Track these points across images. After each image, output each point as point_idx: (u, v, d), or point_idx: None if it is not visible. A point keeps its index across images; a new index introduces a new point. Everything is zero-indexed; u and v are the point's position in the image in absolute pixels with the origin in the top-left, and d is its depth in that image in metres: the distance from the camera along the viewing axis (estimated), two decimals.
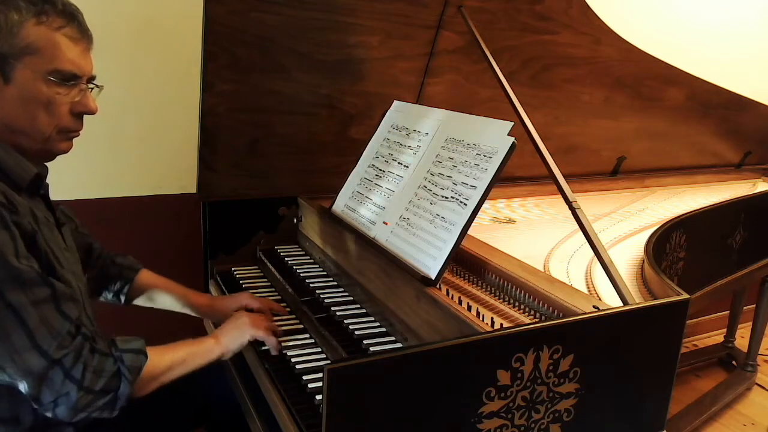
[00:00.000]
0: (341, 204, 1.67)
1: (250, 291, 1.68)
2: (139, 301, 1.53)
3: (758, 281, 2.75)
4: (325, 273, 1.67)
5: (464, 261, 1.43)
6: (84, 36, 1.12)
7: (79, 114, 1.14)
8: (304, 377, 1.22)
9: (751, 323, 2.91)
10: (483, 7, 1.76)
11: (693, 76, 2.32)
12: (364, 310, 1.44)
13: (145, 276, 1.52)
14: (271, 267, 1.74)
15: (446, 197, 1.32)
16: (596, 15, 1.94)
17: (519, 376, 0.99)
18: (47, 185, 1.19)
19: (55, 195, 1.23)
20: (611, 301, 1.24)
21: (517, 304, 1.26)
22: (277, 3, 1.54)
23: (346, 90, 1.78)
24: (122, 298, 1.50)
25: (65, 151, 1.16)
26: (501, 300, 1.29)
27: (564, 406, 1.05)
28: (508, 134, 1.27)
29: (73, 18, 1.10)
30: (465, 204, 1.26)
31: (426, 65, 1.84)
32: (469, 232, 1.26)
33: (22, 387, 1.02)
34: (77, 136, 1.17)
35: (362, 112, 1.84)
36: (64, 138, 1.14)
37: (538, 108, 2.10)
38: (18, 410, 1.09)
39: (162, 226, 2.07)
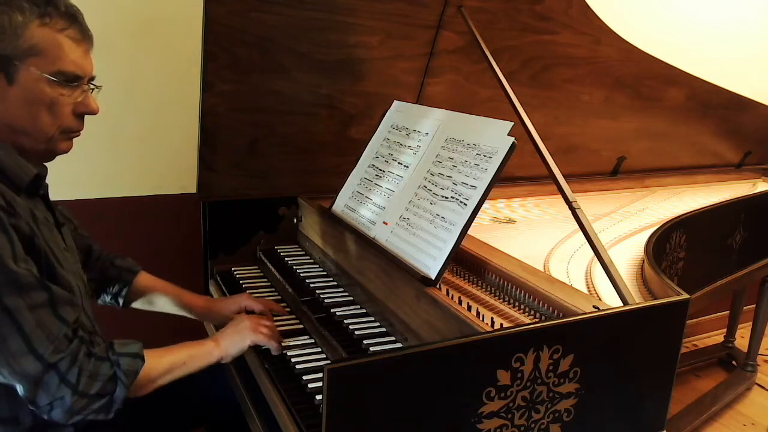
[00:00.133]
0: (341, 204, 1.67)
1: (250, 291, 1.68)
2: (138, 305, 1.53)
3: (758, 281, 2.75)
4: (325, 273, 1.67)
5: (464, 261, 1.43)
6: (85, 37, 1.12)
7: (81, 114, 1.15)
8: (304, 377, 1.22)
9: (751, 323, 2.91)
10: (483, 7, 1.76)
11: (693, 76, 2.32)
12: (364, 310, 1.44)
13: (144, 279, 1.52)
14: (271, 267, 1.74)
15: (446, 197, 1.32)
16: (596, 15, 1.94)
17: (519, 376, 0.99)
18: (47, 185, 1.19)
19: (55, 195, 1.23)
20: (611, 301, 1.24)
21: (517, 304, 1.26)
22: (277, 3, 1.54)
23: (346, 90, 1.78)
24: (120, 301, 1.50)
25: (66, 151, 1.16)
26: (501, 300, 1.29)
27: (564, 406, 1.05)
28: (508, 134, 1.27)
29: (75, 19, 1.10)
30: (465, 204, 1.26)
31: (426, 65, 1.84)
32: (469, 232, 1.26)
33: (19, 389, 1.02)
34: (78, 136, 1.17)
35: (362, 112, 1.84)
36: (66, 138, 1.15)
37: (538, 108, 2.10)
38: (18, 410, 1.09)
39: (162, 226, 2.07)
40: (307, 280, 1.61)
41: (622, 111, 2.33)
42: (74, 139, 1.17)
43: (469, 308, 1.21)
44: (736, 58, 2.97)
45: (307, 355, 1.32)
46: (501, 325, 1.17)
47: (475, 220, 1.25)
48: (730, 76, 2.61)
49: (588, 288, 1.41)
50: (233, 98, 1.65)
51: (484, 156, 1.29)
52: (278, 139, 1.79)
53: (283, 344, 1.35)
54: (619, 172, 2.52)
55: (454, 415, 0.95)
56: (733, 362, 3.07)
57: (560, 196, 1.35)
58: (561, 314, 1.15)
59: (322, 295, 1.51)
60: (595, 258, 1.28)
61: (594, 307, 1.13)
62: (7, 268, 0.98)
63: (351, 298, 1.51)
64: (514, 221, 1.92)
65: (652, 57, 2.16)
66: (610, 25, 1.99)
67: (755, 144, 2.89)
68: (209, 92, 1.61)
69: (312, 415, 1.12)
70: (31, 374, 1.00)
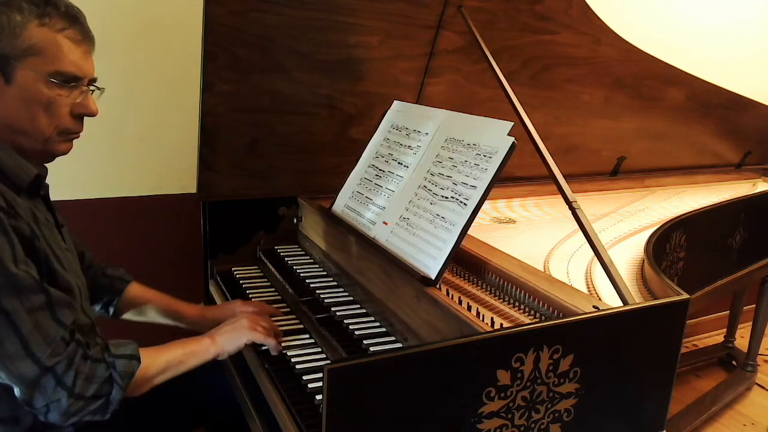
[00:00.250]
0: (341, 204, 1.67)
1: (250, 291, 1.68)
2: (129, 315, 1.51)
3: (758, 281, 2.75)
4: (325, 273, 1.67)
5: (464, 261, 1.43)
6: (86, 38, 1.12)
7: (79, 115, 1.14)
8: (304, 377, 1.22)
9: (751, 323, 2.91)
10: (483, 7, 1.76)
11: (693, 76, 2.32)
12: (364, 310, 1.44)
13: (135, 289, 1.50)
14: (271, 267, 1.74)
15: (446, 197, 1.32)
16: (596, 15, 1.94)
17: (519, 376, 0.99)
18: (47, 186, 1.19)
19: (55, 195, 1.23)
20: (611, 301, 1.24)
21: (517, 304, 1.26)
22: (277, 3, 1.54)
23: (346, 90, 1.78)
24: (111, 310, 1.48)
25: (65, 153, 1.16)
26: (501, 300, 1.29)
27: (564, 406, 1.05)
28: (508, 134, 1.27)
29: (76, 20, 1.10)
30: (465, 204, 1.26)
31: (426, 65, 1.84)
32: (469, 232, 1.26)
33: (16, 391, 1.02)
34: (77, 137, 1.17)
35: (362, 112, 1.84)
36: (64, 139, 1.14)
37: (538, 108, 2.10)
38: (18, 410, 1.09)
39: (162, 226, 2.07)
40: (307, 280, 1.61)
41: (622, 111, 2.33)
42: (74, 140, 1.17)
43: (469, 308, 1.21)
44: (736, 58, 2.97)
45: (307, 355, 1.32)
46: (501, 325, 1.17)
47: (475, 220, 1.25)
48: (730, 76, 2.61)
49: (588, 288, 1.41)
50: (233, 98, 1.65)
51: (484, 156, 1.29)
52: (278, 139, 1.79)
53: (283, 344, 1.34)
54: (619, 172, 2.52)
55: (454, 415, 0.95)
56: (733, 362, 3.07)
57: (560, 196, 1.35)
58: (561, 314, 1.15)
59: (322, 295, 1.51)
60: (595, 258, 1.28)
61: (594, 307, 1.13)
62: (6, 270, 0.98)
63: (351, 298, 1.51)
64: (514, 221, 1.92)
65: (652, 57, 2.16)
66: (610, 25, 1.99)
67: (755, 144, 2.89)
68: (209, 92, 1.61)
69: (312, 415, 1.12)
70: (27, 377, 1.00)
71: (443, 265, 1.24)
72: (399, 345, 1.29)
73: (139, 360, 1.11)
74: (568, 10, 1.89)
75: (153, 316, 1.52)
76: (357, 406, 0.89)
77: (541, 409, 1.03)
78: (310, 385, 1.19)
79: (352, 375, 0.87)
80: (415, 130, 1.56)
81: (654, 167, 2.62)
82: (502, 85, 1.57)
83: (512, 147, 1.25)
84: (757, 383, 2.97)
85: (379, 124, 1.71)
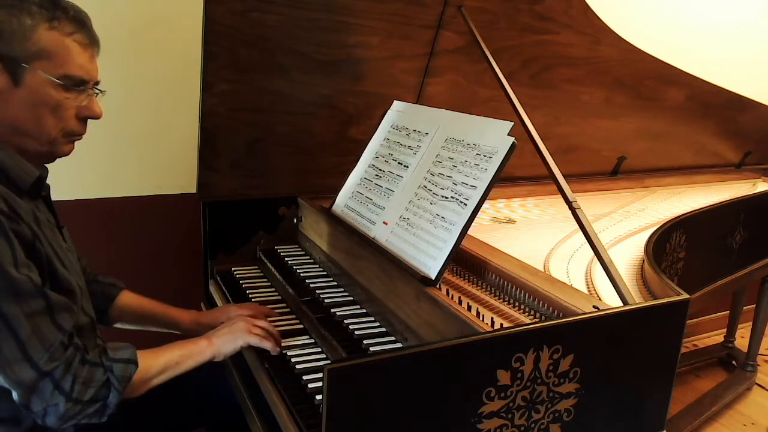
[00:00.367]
0: (341, 204, 1.67)
1: (250, 291, 1.68)
2: (123, 323, 1.50)
3: (758, 281, 2.75)
4: (325, 273, 1.67)
5: (464, 261, 1.43)
6: (92, 42, 1.13)
7: (84, 118, 1.15)
8: (304, 377, 1.22)
9: (751, 323, 2.91)
10: (483, 7, 1.76)
11: (693, 76, 2.32)
12: (364, 310, 1.44)
13: (128, 296, 1.50)
14: (271, 267, 1.74)
15: (446, 197, 1.32)
16: (596, 15, 1.94)
17: (519, 376, 0.99)
18: (48, 186, 1.20)
19: (55, 195, 1.23)
20: (611, 301, 1.24)
21: (517, 304, 1.26)
22: (277, 3, 1.54)
23: (346, 90, 1.78)
24: (103, 318, 1.47)
25: (67, 154, 1.17)
26: (501, 300, 1.29)
27: (564, 406, 1.05)
28: (508, 134, 1.27)
29: (83, 24, 1.11)
30: (465, 204, 1.26)
31: (426, 65, 1.84)
32: (469, 232, 1.26)
33: (14, 395, 1.03)
34: (80, 139, 1.18)
35: (362, 112, 1.84)
36: (68, 141, 1.15)
37: (538, 108, 2.10)
38: (18, 411, 1.09)
39: (162, 226, 2.07)
40: (307, 280, 1.61)
41: (622, 111, 2.33)
42: (75, 141, 1.18)
43: (469, 308, 1.21)
44: (736, 59, 2.97)
45: (307, 355, 1.32)
46: (501, 325, 1.17)
47: (475, 220, 1.25)
48: (730, 77, 2.62)
49: (588, 288, 1.41)
50: (233, 98, 1.65)
51: (484, 156, 1.29)
52: (278, 139, 1.79)
53: (283, 344, 1.34)
54: (619, 172, 2.52)
55: (454, 415, 0.95)
56: (733, 362, 3.07)
57: (560, 196, 1.35)
58: (561, 314, 1.15)
59: (322, 295, 1.51)
60: (595, 258, 1.28)
61: (594, 307, 1.13)
62: (7, 274, 0.98)
63: (351, 298, 1.51)
64: (514, 221, 1.93)
65: (652, 57, 2.16)
66: (610, 25, 1.99)
67: (755, 144, 2.89)
68: (209, 92, 1.61)
69: (312, 415, 1.12)
70: (25, 381, 1.00)
71: (443, 265, 1.24)
72: (399, 345, 1.29)
73: (136, 364, 1.12)
74: (568, 10, 1.89)
75: (147, 324, 1.52)
76: (357, 406, 0.89)
77: (541, 409, 1.03)
78: (310, 385, 1.19)
79: (352, 375, 0.87)
80: (415, 130, 1.56)
81: (654, 167, 2.62)
82: (502, 85, 1.57)
83: (512, 147, 1.25)
84: (757, 383, 2.97)
85: (379, 124, 1.71)
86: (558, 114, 2.19)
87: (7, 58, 1.04)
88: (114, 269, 1.54)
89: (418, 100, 1.89)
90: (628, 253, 1.72)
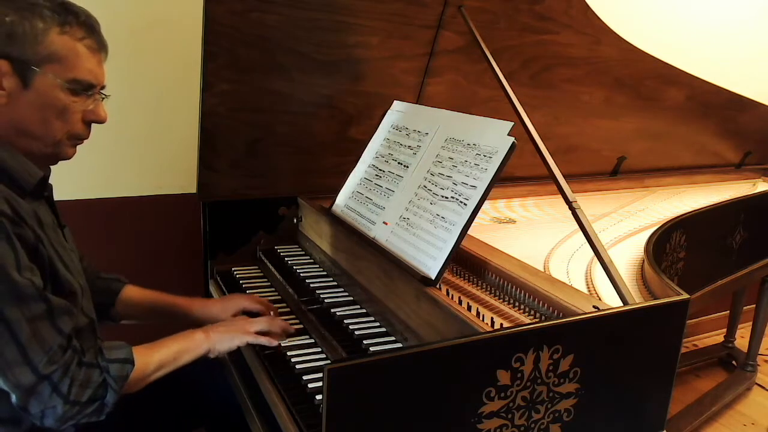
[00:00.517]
0: (341, 204, 1.67)
1: (250, 291, 1.68)
2: (129, 318, 1.50)
3: (758, 281, 2.75)
4: (325, 273, 1.67)
5: (464, 261, 1.43)
6: (101, 47, 1.14)
7: (89, 122, 1.16)
8: (304, 377, 1.22)
9: (751, 323, 2.91)
10: (483, 7, 1.76)
11: (693, 76, 2.32)
12: (364, 310, 1.44)
13: (131, 290, 1.50)
14: (271, 267, 1.74)
15: (446, 197, 1.32)
16: (596, 15, 1.94)
17: (519, 376, 0.99)
18: (51, 187, 1.20)
19: (55, 195, 1.23)
20: (611, 301, 1.24)
21: (517, 304, 1.26)
22: (277, 3, 1.54)
23: (346, 90, 1.78)
24: (110, 313, 1.47)
25: (70, 157, 1.18)
26: (501, 300, 1.29)
27: (564, 406, 1.05)
28: (508, 134, 1.27)
29: (93, 30, 1.12)
30: (465, 204, 1.26)
31: (426, 65, 1.84)
32: (469, 232, 1.26)
33: (12, 397, 1.03)
34: (82, 143, 1.18)
35: (362, 112, 1.84)
36: (72, 144, 1.16)
37: (538, 108, 2.10)
38: (18, 411, 1.09)
39: (162, 226, 2.07)
40: (307, 280, 1.61)
41: (622, 111, 2.33)
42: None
43: (469, 308, 1.21)
44: (736, 58, 2.97)
45: (307, 355, 1.32)
46: (501, 325, 1.17)
47: (475, 220, 1.25)
48: (730, 77, 2.62)
49: (588, 288, 1.41)
50: (233, 98, 1.65)
51: (484, 156, 1.29)
52: (278, 139, 1.79)
53: (283, 344, 1.34)
54: (619, 172, 2.52)
55: (454, 415, 0.95)
56: (733, 362, 3.07)
57: (560, 196, 1.35)
58: (561, 314, 1.15)
59: (322, 295, 1.51)
60: (595, 258, 1.28)
61: (594, 307, 1.13)
62: (9, 278, 0.98)
63: (351, 298, 1.51)
64: (514, 221, 1.93)
65: (652, 57, 2.16)
66: (610, 25, 1.99)
67: (755, 144, 2.89)
68: (209, 92, 1.61)
69: (312, 415, 1.12)
70: (23, 384, 1.00)
71: (443, 265, 1.24)
72: (399, 345, 1.29)
73: (132, 363, 1.12)
74: (568, 10, 1.89)
75: (153, 316, 1.51)
76: (357, 406, 0.89)
77: (541, 409, 1.03)
78: (310, 385, 1.19)
79: (352, 375, 0.87)
80: (415, 130, 1.56)
81: (654, 167, 2.62)
82: (502, 85, 1.57)
83: (512, 147, 1.25)
84: (757, 383, 2.96)
85: (379, 124, 1.71)
86: (558, 114, 2.19)
87: (17, 61, 1.05)
88: (114, 269, 1.53)
89: (418, 100, 1.89)
90: (628, 253, 1.72)
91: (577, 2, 1.89)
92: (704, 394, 2.72)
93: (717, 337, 3.39)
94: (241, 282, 1.75)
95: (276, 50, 1.62)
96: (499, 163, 1.25)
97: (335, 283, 1.60)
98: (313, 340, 1.39)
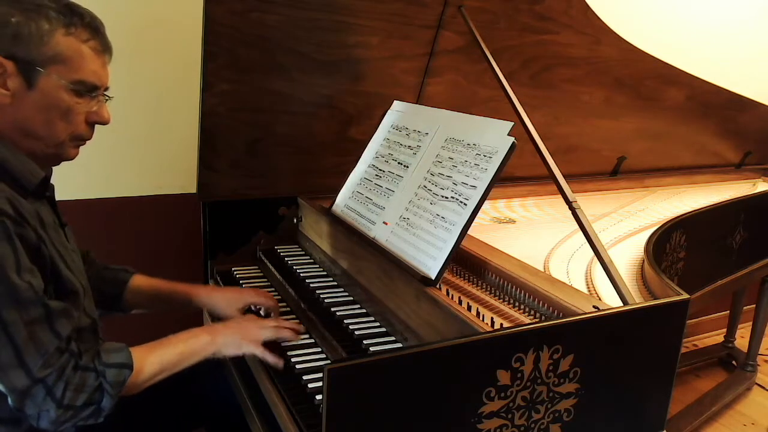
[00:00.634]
0: (341, 204, 1.67)
1: None
2: (138, 308, 1.49)
3: (758, 281, 2.75)
4: (325, 273, 1.67)
5: (464, 261, 1.43)
6: (105, 49, 1.14)
7: (92, 123, 1.16)
8: (304, 377, 1.22)
9: (751, 323, 2.91)
10: (483, 7, 1.76)
11: (693, 76, 2.32)
12: (364, 310, 1.44)
13: (139, 278, 1.50)
14: (271, 267, 1.74)
15: (446, 197, 1.32)
16: (596, 15, 1.94)
17: (519, 376, 0.99)
18: (53, 187, 1.20)
19: (56, 195, 1.23)
20: (611, 301, 1.24)
21: (517, 304, 1.26)
22: (277, 3, 1.54)
23: (346, 90, 1.78)
24: (119, 304, 1.47)
25: (72, 158, 1.18)
26: (501, 300, 1.29)
27: (564, 406, 1.05)
28: (508, 134, 1.27)
29: (98, 31, 1.12)
30: (465, 204, 1.26)
31: (426, 65, 1.84)
32: (469, 232, 1.26)
33: (9, 398, 1.03)
34: (84, 144, 1.18)
35: (362, 112, 1.84)
36: (75, 145, 1.16)
37: (538, 108, 2.10)
38: (18, 411, 1.09)
39: (162, 226, 2.07)
40: (307, 280, 1.61)
41: (622, 111, 2.33)
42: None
43: (469, 308, 1.21)
44: (736, 58, 2.97)
45: (307, 355, 1.32)
46: (501, 325, 1.17)
47: (475, 220, 1.25)
48: (730, 77, 2.62)
49: (588, 288, 1.41)
50: (233, 98, 1.65)
51: (484, 156, 1.29)
52: (278, 139, 1.79)
53: (283, 345, 1.34)
54: (619, 172, 2.52)
55: (454, 415, 0.95)
56: (733, 362, 3.07)
57: (560, 196, 1.35)
58: (561, 314, 1.15)
59: (322, 295, 1.51)
60: (595, 258, 1.28)
61: (594, 307, 1.13)
62: (8, 280, 0.98)
63: (351, 298, 1.51)
64: (514, 221, 1.93)
65: (652, 57, 2.16)
66: (610, 25, 1.99)
67: (755, 144, 2.89)
68: (209, 92, 1.61)
69: (312, 415, 1.12)
70: (17, 387, 1.00)
71: (443, 265, 1.24)
72: (399, 345, 1.29)
73: (130, 368, 1.11)
74: (568, 10, 1.89)
75: (162, 304, 1.51)
76: (357, 406, 0.89)
77: (541, 409, 1.03)
78: (310, 385, 1.19)
79: (352, 375, 0.87)
80: (415, 130, 1.56)
81: (654, 167, 2.62)
82: (502, 85, 1.57)
83: (512, 147, 1.25)
84: (757, 383, 2.97)
85: (379, 124, 1.71)
86: (558, 114, 2.19)
87: (22, 61, 1.05)
88: None
89: (418, 100, 1.89)
90: (628, 253, 1.72)
91: (577, 2, 1.89)
92: (704, 394, 2.72)
93: (717, 337, 3.39)
94: (241, 282, 1.75)
95: (276, 50, 1.62)
96: (499, 163, 1.25)
97: (335, 283, 1.60)
98: (313, 340, 1.39)
